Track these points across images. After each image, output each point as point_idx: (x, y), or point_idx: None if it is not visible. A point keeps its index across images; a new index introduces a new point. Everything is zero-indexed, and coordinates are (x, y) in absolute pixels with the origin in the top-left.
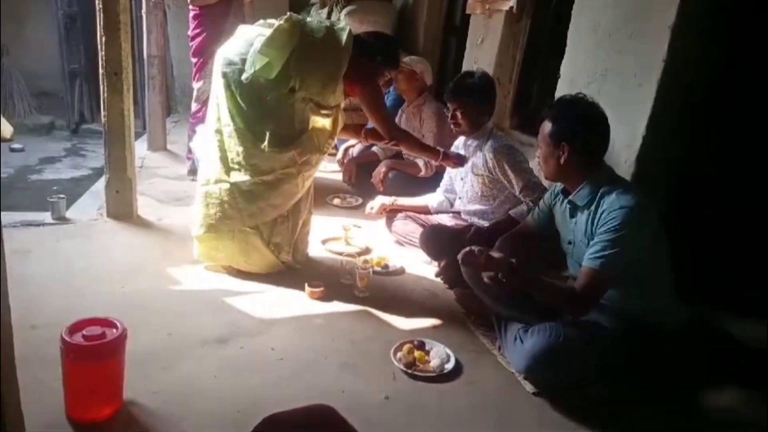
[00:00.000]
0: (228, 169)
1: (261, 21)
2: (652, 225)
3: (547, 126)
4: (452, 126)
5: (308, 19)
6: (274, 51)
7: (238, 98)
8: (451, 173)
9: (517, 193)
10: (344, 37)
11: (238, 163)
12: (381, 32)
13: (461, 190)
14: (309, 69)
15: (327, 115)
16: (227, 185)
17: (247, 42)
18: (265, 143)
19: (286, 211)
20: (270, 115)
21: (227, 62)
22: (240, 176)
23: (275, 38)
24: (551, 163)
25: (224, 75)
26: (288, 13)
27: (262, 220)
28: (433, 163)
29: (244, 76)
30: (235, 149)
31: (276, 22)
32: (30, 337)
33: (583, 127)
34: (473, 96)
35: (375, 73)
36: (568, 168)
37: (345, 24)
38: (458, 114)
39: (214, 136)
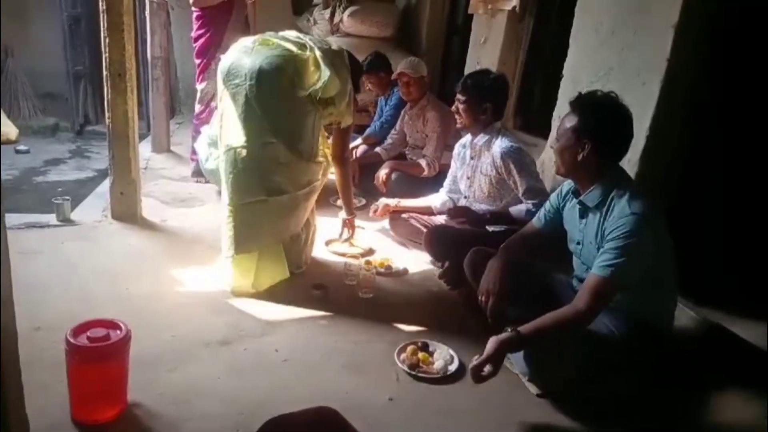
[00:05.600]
0: (263, 186)
1: (271, 32)
2: (661, 230)
3: (571, 119)
4: (456, 117)
5: (308, 37)
6: (333, 70)
7: (280, 112)
8: (455, 173)
9: (519, 194)
10: (346, 58)
11: (275, 179)
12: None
13: (467, 190)
14: (340, 92)
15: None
16: (265, 202)
17: (277, 51)
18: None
19: (301, 228)
20: (309, 129)
21: (263, 72)
22: (277, 191)
23: (326, 58)
24: (567, 158)
25: (261, 86)
26: (299, 34)
27: (287, 235)
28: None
29: (303, 93)
30: (274, 164)
31: (291, 36)
32: (34, 338)
33: (609, 127)
34: (478, 93)
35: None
36: (585, 165)
37: (338, 46)
38: (460, 107)
39: (249, 151)
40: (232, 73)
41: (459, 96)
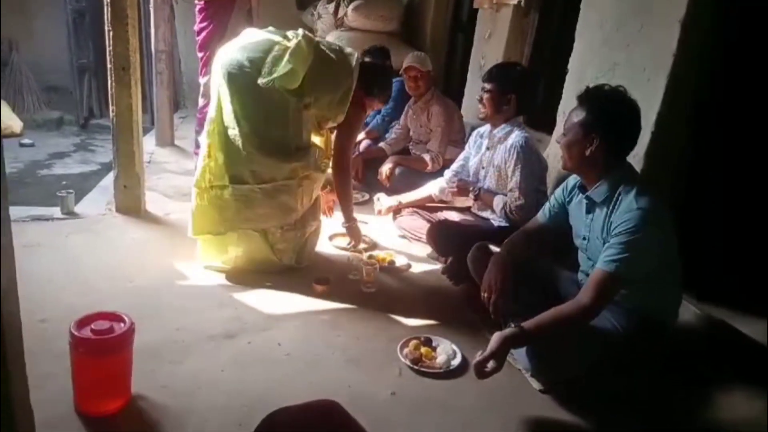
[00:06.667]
0: (227, 172)
1: (270, 28)
2: (667, 227)
3: (579, 113)
4: (479, 107)
5: (317, 38)
6: (299, 62)
7: (247, 103)
8: (466, 157)
9: (508, 188)
10: (353, 62)
11: (238, 168)
12: (379, 64)
13: (480, 181)
14: (324, 87)
15: (320, 135)
16: (226, 188)
17: (258, 46)
18: (284, 155)
19: (293, 221)
20: (280, 124)
21: (236, 64)
22: (239, 180)
23: (299, 50)
24: (575, 153)
25: (231, 76)
26: (300, 29)
27: (256, 226)
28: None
29: (262, 81)
30: (236, 153)
31: (289, 34)
32: (39, 331)
33: (617, 121)
34: (503, 83)
35: (365, 102)
36: (592, 161)
37: (352, 50)
38: (483, 96)
39: (214, 136)
40: (233, 61)
41: (484, 85)
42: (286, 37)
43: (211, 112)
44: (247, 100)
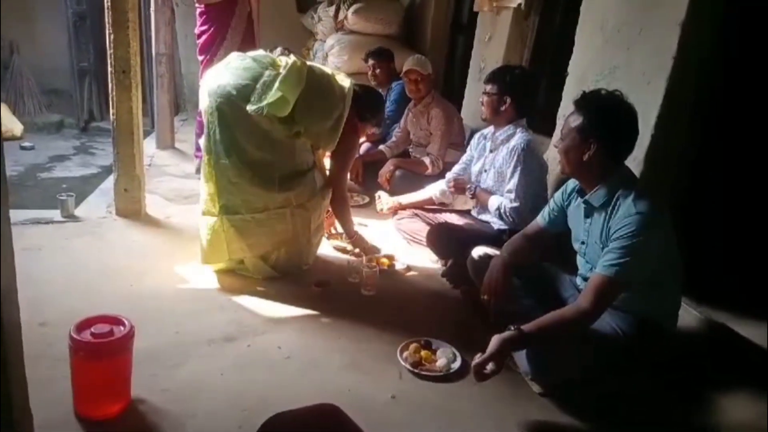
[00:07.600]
0: (218, 202)
1: (260, 51)
2: (666, 229)
3: (576, 119)
4: (482, 109)
5: (308, 62)
6: (289, 89)
7: (236, 133)
8: (467, 161)
9: (504, 191)
10: (346, 89)
11: (229, 198)
12: (370, 87)
13: (481, 184)
14: (315, 116)
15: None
16: (216, 218)
17: (246, 73)
18: (276, 184)
19: (294, 245)
20: (270, 151)
21: (224, 94)
22: (230, 210)
23: (289, 77)
24: (573, 158)
25: (219, 106)
26: (292, 56)
27: (245, 256)
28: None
29: (252, 108)
30: (228, 183)
31: (275, 57)
32: (39, 334)
33: (614, 126)
34: (499, 85)
35: (359, 128)
36: (590, 165)
37: (344, 76)
38: (484, 98)
39: (206, 167)
40: (219, 90)
41: (484, 86)
42: (275, 63)
43: (207, 142)
44: (235, 130)
